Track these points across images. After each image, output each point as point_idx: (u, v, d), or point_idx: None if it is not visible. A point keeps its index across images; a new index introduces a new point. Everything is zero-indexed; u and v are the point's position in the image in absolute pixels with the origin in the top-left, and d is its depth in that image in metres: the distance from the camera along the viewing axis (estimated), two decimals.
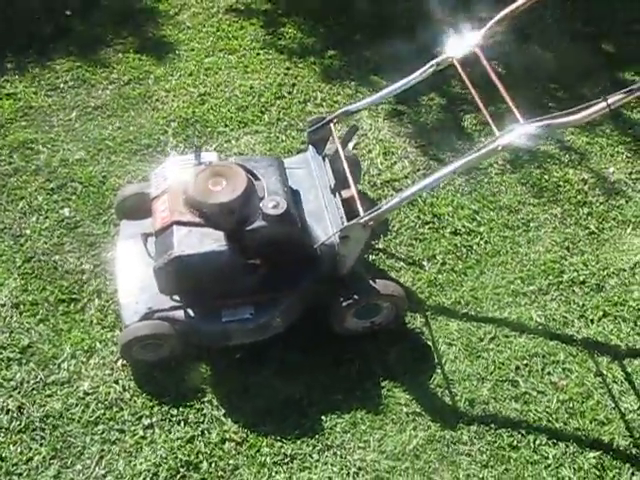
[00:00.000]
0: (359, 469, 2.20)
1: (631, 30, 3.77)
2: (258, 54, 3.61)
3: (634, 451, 2.23)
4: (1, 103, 3.28)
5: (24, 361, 2.44)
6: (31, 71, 3.44)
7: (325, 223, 2.44)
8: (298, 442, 2.25)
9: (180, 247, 2.26)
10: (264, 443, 2.25)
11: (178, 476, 2.18)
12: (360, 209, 2.36)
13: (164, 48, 3.62)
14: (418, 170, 3.06)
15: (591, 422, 2.30)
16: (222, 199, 2.32)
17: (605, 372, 2.42)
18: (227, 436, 2.26)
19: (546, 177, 3.01)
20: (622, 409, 2.32)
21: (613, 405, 2.33)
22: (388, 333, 2.51)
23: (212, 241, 2.28)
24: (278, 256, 2.35)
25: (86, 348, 2.47)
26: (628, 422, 2.29)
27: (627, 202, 2.94)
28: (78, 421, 2.30)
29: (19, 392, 2.35)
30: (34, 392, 2.36)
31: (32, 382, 2.39)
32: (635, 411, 2.32)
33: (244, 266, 2.35)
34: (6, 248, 2.74)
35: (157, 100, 3.35)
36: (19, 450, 2.22)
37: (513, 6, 2.41)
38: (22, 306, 2.58)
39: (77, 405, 2.33)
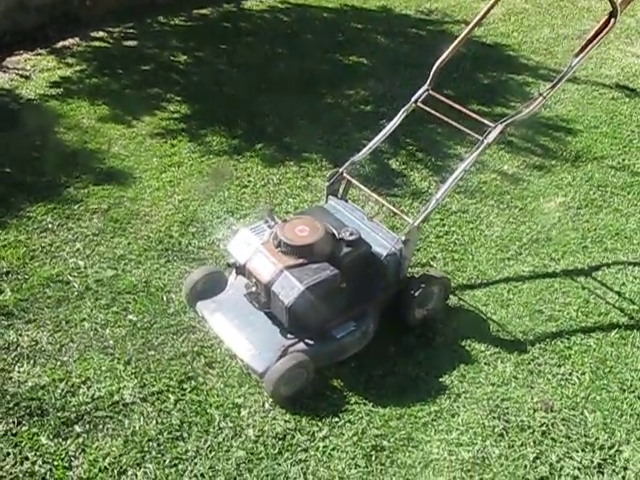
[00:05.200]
0: (488, 399, 2.86)
1: None
2: (202, 161, 4.19)
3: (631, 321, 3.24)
4: (2, 254, 3.41)
5: (185, 435, 2.68)
6: (10, 222, 3.61)
7: (380, 242, 3.09)
8: (437, 400, 2.85)
9: (302, 282, 2.78)
10: (416, 409, 2.80)
11: (373, 457, 2.63)
12: (407, 218, 3.11)
13: (120, 176, 4.02)
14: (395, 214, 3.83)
15: (599, 316, 3.26)
16: (315, 238, 2.89)
17: (585, 285, 3.43)
18: (388, 417, 2.77)
19: (469, 184, 4.04)
20: (607, 300, 3.35)
21: (602, 300, 3.33)
22: (443, 312, 3.23)
23: (322, 270, 2.83)
24: (362, 273, 2.97)
25: (231, 406, 2.80)
26: (617, 303, 3.31)
27: (528, 184, 4.11)
28: (267, 457, 2.62)
29: (201, 458, 2.60)
30: (212, 453, 2.63)
31: (206, 447, 2.64)
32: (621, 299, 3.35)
33: (342, 288, 2.92)
34: (100, 361, 2.93)
35: (145, 215, 3.74)
36: None
37: (443, 57, 3.35)
38: (150, 397, 2.81)
39: (256, 447, 2.65)
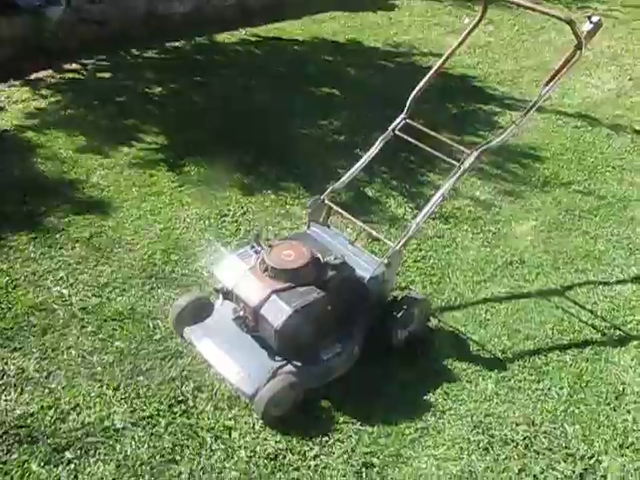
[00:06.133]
0: (472, 415, 2.94)
1: None
2: (181, 191, 4.24)
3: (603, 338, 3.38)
4: None
5: (178, 458, 2.71)
6: None
7: (363, 265, 3.17)
8: (423, 417, 2.91)
9: (290, 304, 2.84)
10: (403, 426, 2.87)
11: (364, 473, 2.69)
12: (388, 242, 3.21)
13: (100, 205, 4.05)
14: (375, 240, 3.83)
15: (573, 333, 3.39)
16: (300, 262, 2.97)
17: (559, 304, 3.56)
18: (376, 435, 2.83)
19: (444, 210, 4.16)
20: (581, 318, 3.47)
21: (576, 319, 3.46)
22: (424, 334, 3.32)
23: (309, 293, 2.91)
24: (346, 296, 3.05)
25: (222, 428, 2.83)
26: (590, 321, 3.45)
27: (500, 209, 4.26)
28: (260, 477, 2.66)
29: None
30: (205, 475, 2.65)
31: (199, 469, 2.67)
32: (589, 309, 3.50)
33: (328, 310, 2.99)
34: (89, 388, 2.94)
35: (127, 243, 3.77)
36: None
37: (419, 87, 3.49)
38: (141, 422, 2.83)
39: (249, 467, 2.68)
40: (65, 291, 3.44)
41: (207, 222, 4.00)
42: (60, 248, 3.70)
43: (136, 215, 4.01)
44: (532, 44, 6.69)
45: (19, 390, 2.92)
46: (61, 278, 3.51)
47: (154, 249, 3.75)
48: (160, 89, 5.43)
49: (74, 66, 5.67)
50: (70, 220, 3.91)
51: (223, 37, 6.45)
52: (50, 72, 5.55)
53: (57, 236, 3.77)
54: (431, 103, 5.18)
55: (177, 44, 6.23)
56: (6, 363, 3.03)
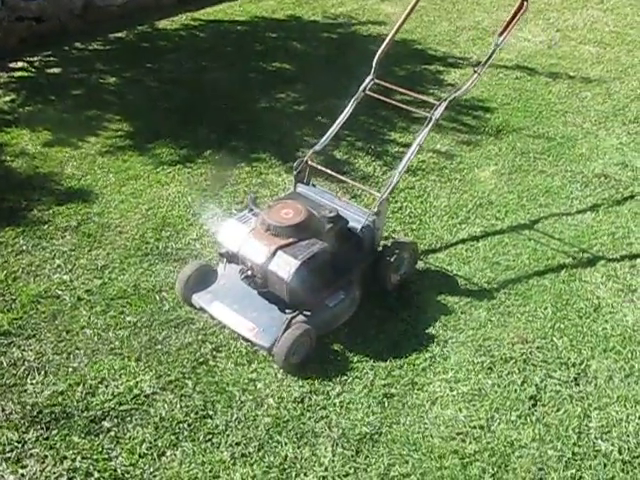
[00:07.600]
0: (472, 340, 3.23)
1: None
2: (157, 172, 4.34)
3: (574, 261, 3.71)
4: None
5: (211, 413, 2.87)
6: None
7: (354, 217, 3.39)
8: (429, 348, 3.17)
9: (297, 257, 3.02)
10: (412, 358, 3.12)
11: (386, 403, 2.92)
12: (374, 192, 3.42)
13: (81, 194, 4.11)
14: (358, 195, 4.17)
15: (547, 260, 3.71)
16: (299, 218, 3.15)
17: (530, 236, 3.88)
18: (390, 368, 3.06)
19: (411, 165, 4.37)
20: (551, 246, 3.80)
21: (547, 247, 3.79)
22: (414, 275, 3.58)
23: (312, 245, 3.10)
24: (343, 246, 3.25)
25: (247, 381, 3.01)
26: (560, 247, 3.78)
27: (461, 158, 4.56)
28: (292, 419, 2.85)
29: (232, 430, 2.79)
30: (240, 424, 2.82)
31: (233, 419, 2.84)
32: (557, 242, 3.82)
33: (330, 260, 3.19)
34: (111, 362, 3.06)
35: (116, 227, 3.86)
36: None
37: (382, 47, 3.71)
38: (169, 386, 2.97)
39: (280, 412, 2.87)
40: (66, 277, 3.51)
41: (189, 198, 4.13)
42: (51, 238, 3.76)
43: (119, 199, 4.09)
44: (463, 6, 7.05)
45: (43, 373, 3.00)
46: (59, 266, 3.58)
47: (144, 229, 3.85)
48: (114, 79, 5.47)
49: (20, 64, 5.63)
50: (54, 211, 3.96)
51: (164, 24, 6.50)
52: None
53: (45, 227, 3.83)
54: (380, 68, 5.44)
55: (120, 34, 6.25)
56: (24, 350, 3.10)
